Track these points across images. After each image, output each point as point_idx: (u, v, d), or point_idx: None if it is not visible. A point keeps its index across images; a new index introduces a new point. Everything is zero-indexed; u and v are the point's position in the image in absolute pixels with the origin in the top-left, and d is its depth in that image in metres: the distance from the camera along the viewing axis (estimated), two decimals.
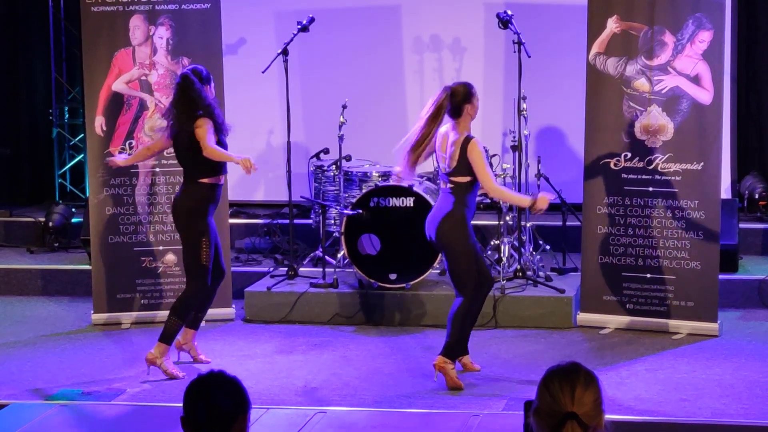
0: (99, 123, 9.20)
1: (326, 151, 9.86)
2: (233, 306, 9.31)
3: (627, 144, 8.77)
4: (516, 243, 9.46)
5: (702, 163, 8.62)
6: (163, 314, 9.14)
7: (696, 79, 8.60)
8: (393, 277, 9.15)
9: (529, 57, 9.26)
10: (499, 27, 9.38)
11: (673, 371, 7.83)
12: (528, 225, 9.54)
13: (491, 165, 9.49)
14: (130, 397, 7.45)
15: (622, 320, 8.83)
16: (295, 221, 9.99)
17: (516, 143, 9.38)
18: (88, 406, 7.04)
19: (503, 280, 9.10)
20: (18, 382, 7.78)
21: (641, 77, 8.72)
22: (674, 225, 8.69)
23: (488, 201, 9.36)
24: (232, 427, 3.54)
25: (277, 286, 9.36)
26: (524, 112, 9.35)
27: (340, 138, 9.59)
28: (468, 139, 7.34)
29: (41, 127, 12.19)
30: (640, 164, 8.75)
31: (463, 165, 7.35)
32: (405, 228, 9.06)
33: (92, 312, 9.26)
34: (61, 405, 6.93)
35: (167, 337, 7.79)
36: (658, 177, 8.71)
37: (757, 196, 10.64)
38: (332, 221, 9.82)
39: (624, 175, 8.79)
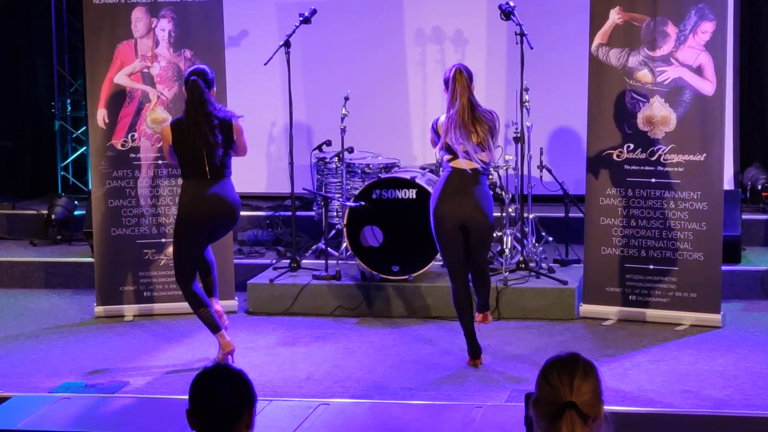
0: (101, 115, 9.20)
1: (329, 143, 9.85)
2: (236, 298, 9.31)
3: (629, 135, 8.76)
4: (518, 234, 9.46)
5: (705, 154, 8.61)
6: (166, 306, 9.19)
7: (698, 70, 8.59)
8: (395, 269, 9.15)
9: (532, 48, 9.25)
10: (502, 18, 9.37)
11: (676, 362, 7.83)
12: (531, 216, 9.54)
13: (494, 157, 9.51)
14: (133, 390, 7.46)
15: (625, 312, 8.82)
16: (298, 213, 10.00)
17: (518, 135, 9.37)
18: (91, 399, 7.04)
19: (506, 272, 9.10)
20: (21, 375, 7.79)
21: (644, 68, 8.71)
22: (677, 216, 8.68)
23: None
24: (239, 420, 3.54)
25: (279, 279, 9.36)
26: (527, 104, 9.35)
27: (343, 130, 9.59)
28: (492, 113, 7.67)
29: (44, 119, 12.20)
30: (643, 155, 8.74)
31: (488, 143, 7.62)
32: (408, 220, 9.06)
33: (95, 304, 9.26)
34: (64, 397, 6.94)
35: (211, 327, 7.84)
36: (660, 168, 8.71)
37: (759, 187, 10.63)
38: (335, 213, 9.82)
39: (626, 167, 8.78)
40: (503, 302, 8.96)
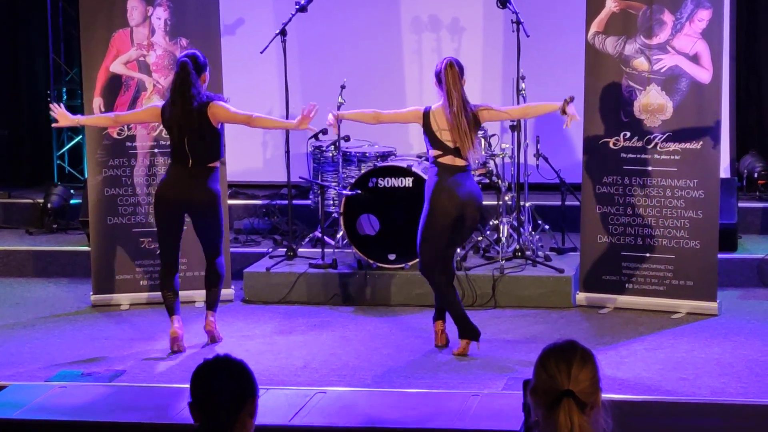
0: (97, 104, 9.19)
1: (325, 132, 9.83)
2: (232, 287, 9.30)
3: (626, 123, 8.76)
4: (515, 223, 9.46)
5: (701, 143, 8.61)
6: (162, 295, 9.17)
7: (695, 58, 8.59)
8: (392, 257, 9.15)
9: (528, 36, 9.24)
10: (498, 6, 9.36)
11: (673, 350, 7.84)
12: (527, 205, 9.54)
13: (490, 145, 9.51)
14: (129, 378, 7.46)
15: (622, 300, 8.83)
16: (294, 202, 9.99)
17: (515, 123, 9.36)
18: (87, 387, 7.03)
19: (502, 260, 9.10)
20: (17, 364, 7.79)
21: (640, 56, 8.70)
22: (673, 204, 8.68)
23: (486, 181, 9.35)
24: (242, 411, 3.53)
25: (276, 267, 9.36)
26: (523, 92, 9.34)
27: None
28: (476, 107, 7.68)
29: (39, 108, 12.17)
30: (639, 144, 8.73)
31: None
32: (404, 208, 9.05)
33: (91, 293, 9.26)
34: (61, 386, 6.93)
35: (168, 309, 8.09)
36: (657, 156, 8.70)
37: (756, 175, 10.63)
38: (331, 202, 9.82)
39: (623, 155, 8.78)
40: (500, 291, 8.96)
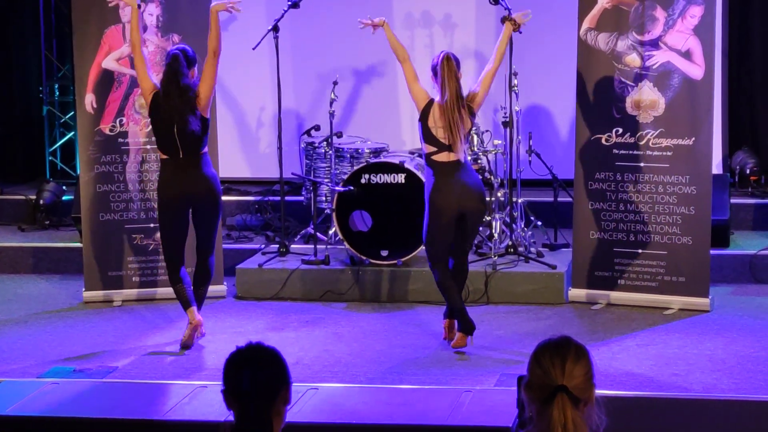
0: (89, 100, 9.18)
1: (317, 128, 9.84)
2: (224, 283, 9.30)
3: (618, 119, 8.76)
4: (507, 219, 9.46)
5: (693, 139, 8.61)
6: (154, 291, 9.18)
7: (687, 54, 8.59)
8: (384, 253, 9.15)
9: (520, 33, 9.21)
10: (490, 2, 9.34)
11: (665, 346, 7.85)
12: (519, 201, 9.54)
13: (482, 142, 9.52)
14: (122, 375, 7.45)
15: (614, 296, 8.84)
16: (287, 198, 9.98)
17: (507, 119, 9.36)
18: (80, 384, 7.03)
19: (495, 257, 9.11)
20: (9, 360, 7.78)
21: (632, 53, 8.71)
22: (665, 200, 8.69)
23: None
24: (276, 398, 3.53)
25: (268, 263, 9.36)
26: (515, 88, 9.34)
27: (331, 115, 9.58)
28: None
29: (31, 104, 12.16)
30: (632, 140, 8.74)
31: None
32: (397, 204, 9.06)
33: (83, 290, 9.25)
34: (53, 382, 6.92)
35: (183, 303, 8.05)
36: (649, 152, 8.71)
37: (748, 171, 10.64)
38: (323, 198, 9.81)
39: (615, 151, 8.79)
40: (492, 287, 8.96)
